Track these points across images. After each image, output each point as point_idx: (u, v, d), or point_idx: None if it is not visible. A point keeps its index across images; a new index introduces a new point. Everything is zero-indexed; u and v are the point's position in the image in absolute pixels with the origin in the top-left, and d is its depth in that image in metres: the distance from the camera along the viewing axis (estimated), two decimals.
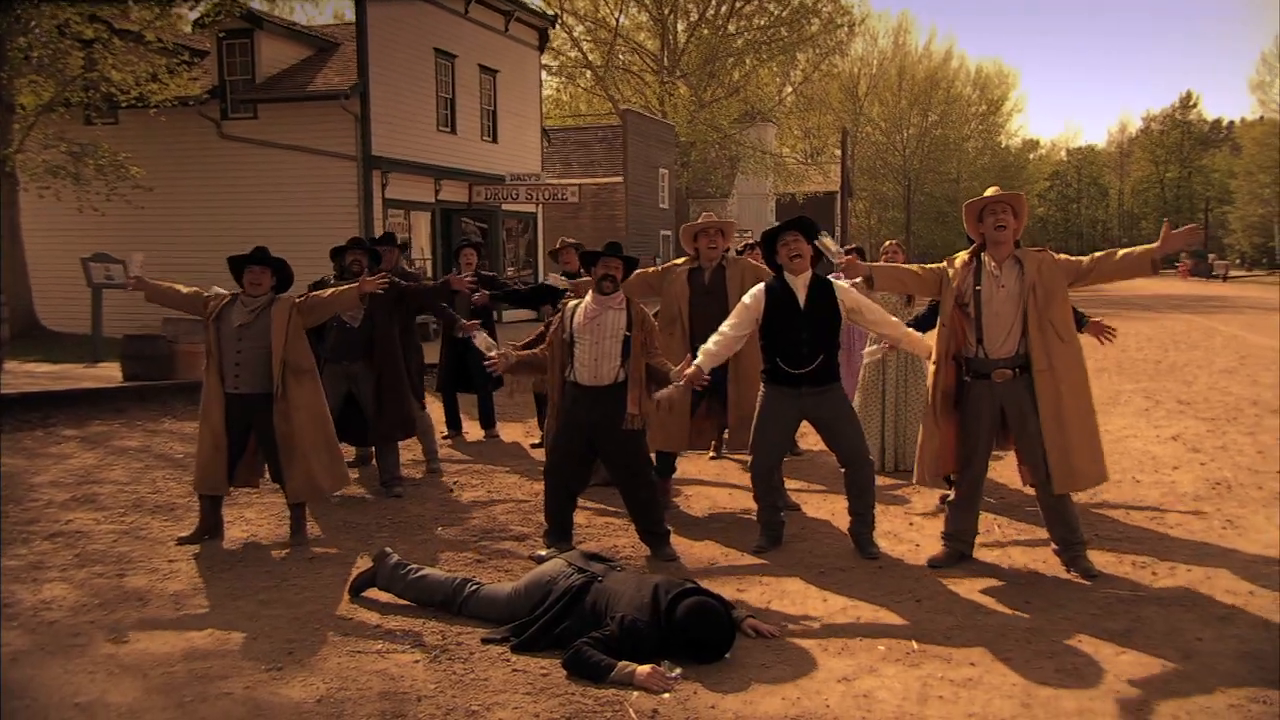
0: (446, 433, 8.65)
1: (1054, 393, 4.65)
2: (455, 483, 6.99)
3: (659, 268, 6.50)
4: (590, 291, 5.20)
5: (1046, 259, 4.79)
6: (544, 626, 4.05)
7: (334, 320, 6.51)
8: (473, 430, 8.78)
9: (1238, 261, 69.20)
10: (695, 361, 5.01)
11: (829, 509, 6.08)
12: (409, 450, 7.33)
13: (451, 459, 7.86)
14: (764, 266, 6.06)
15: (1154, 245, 4.63)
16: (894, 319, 5.32)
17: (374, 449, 6.97)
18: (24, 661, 3.94)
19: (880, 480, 6.48)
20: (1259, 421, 8.43)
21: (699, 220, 6.44)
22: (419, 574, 4.55)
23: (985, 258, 4.83)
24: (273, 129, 16.35)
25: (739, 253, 7.62)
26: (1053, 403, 4.65)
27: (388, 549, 4.75)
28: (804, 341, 5.04)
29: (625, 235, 26.07)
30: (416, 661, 3.92)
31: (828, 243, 5.17)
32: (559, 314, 5.38)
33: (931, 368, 4.89)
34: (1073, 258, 4.81)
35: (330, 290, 5.78)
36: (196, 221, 16.62)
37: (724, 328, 5.16)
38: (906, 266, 5.10)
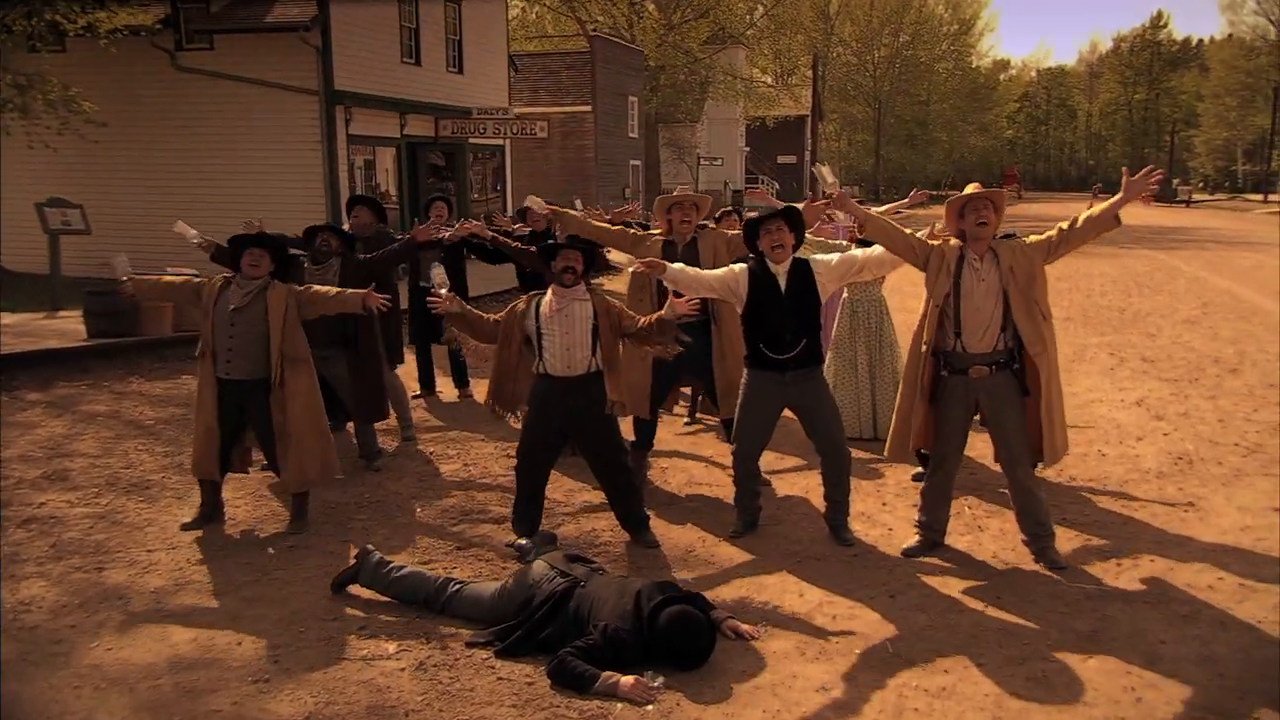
0: (419, 391, 8.63)
1: (1048, 373, 4.76)
2: (431, 453, 7.00)
3: (638, 233, 6.44)
4: (551, 285, 5.14)
5: (1019, 244, 4.80)
6: (528, 632, 4.11)
7: None
8: (446, 388, 8.76)
9: (1200, 185, 69.79)
10: (669, 267, 5.07)
11: (804, 484, 6.17)
12: None
13: (426, 424, 7.86)
14: (737, 235, 6.04)
15: (1117, 198, 4.72)
16: (867, 252, 5.19)
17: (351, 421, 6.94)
18: (9, 674, 3.94)
19: (855, 453, 6.59)
20: (1219, 384, 8.60)
21: (674, 194, 6.38)
22: (401, 573, 4.58)
23: (967, 250, 4.83)
24: (230, 61, 15.78)
25: (716, 220, 7.56)
26: (1046, 383, 4.75)
27: (370, 546, 4.77)
28: (787, 327, 5.04)
29: (595, 166, 25.74)
30: (402, 669, 3.97)
31: (824, 171, 5.17)
32: (513, 305, 5.27)
33: (924, 349, 4.87)
34: (1042, 236, 4.82)
35: (335, 290, 5.59)
36: (154, 158, 16.14)
37: (704, 271, 5.19)
38: (901, 227, 5.03)
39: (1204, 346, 10.33)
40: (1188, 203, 53.93)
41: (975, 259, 4.78)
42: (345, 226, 7.55)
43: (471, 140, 19.65)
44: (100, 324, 9.67)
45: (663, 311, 5.02)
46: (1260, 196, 54.07)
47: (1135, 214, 33.07)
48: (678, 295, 5.01)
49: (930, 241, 4.97)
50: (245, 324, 5.28)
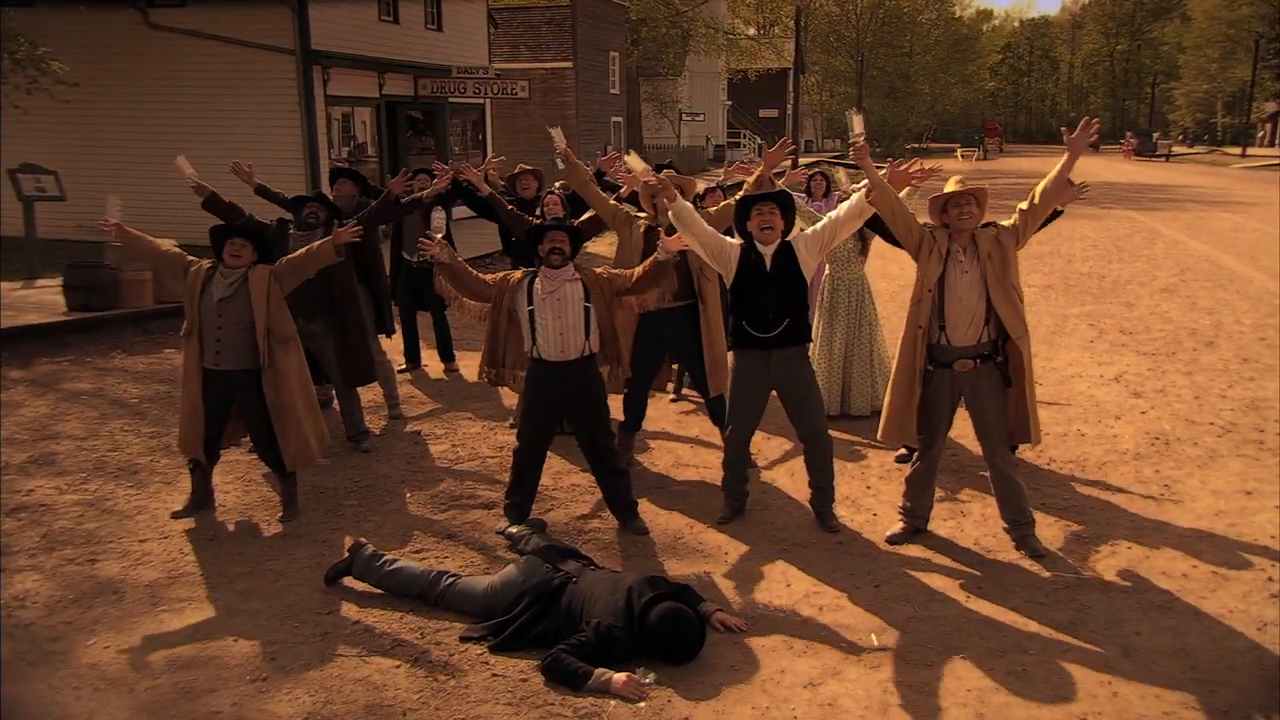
0: (404, 365, 8.63)
1: (1029, 356, 4.88)
2: (419, 433, 7.03)
3: (626, 210, 6.40)
4: (540, 269, 5.16)
5: (994, 231, 4.84)
6: (521, 628, 4.19)
7: None
8: (431, 362, 8.77)
9: (1180, 138, 69.90)
10: (679, 197, 5.13)
11: (788, 467, 6.25)
12: (368, 391, 7.26)
13: (413, 399, 7.88)
14: (719, 209, 6.08)
15: (1064, 161, 4.81)
16: (836, 215, 5.13)
17: (336, 399, 6.95)
18: (7, 675, 3.98)
19: (835, 434, 6.67)
20: (1196, 358, 8.73)
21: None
22: (394, 566, 4.63)
23: (951, 244, 4.86)
24: (204, 20, 15.45)
25: (700, 197, 7.55)
26: (1028, 366, 4.88)
27: (363, 539, 4.83)
28: (770, 306, 5.08)
29: (576, 123, 25.50)
30: (397, 666, 4.04)
31: (856, 120, 5.24)
32: (506, 276, 5.27)
33: (919, 331, 4.89)
34: (1009, 223, 4.87)
35: (303, 250, 5.59)
36: (127, 121, 15.89)
37: (705, 224, 5.24)
38: (905, 205, 5.01)
39: (1181, 317, 10.45)
40: (1167, 157, 54.02)
41: (959, 250, 4.83)
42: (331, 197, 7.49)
43: (451, 99, 19.42)
44: (80, 297, 9.58)
45: (656, 255, 5.10)
46: (1239, 150, 54.20)
47: (1117, 170, 33.22)
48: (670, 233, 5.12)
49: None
50: (232, 314, 5.26)
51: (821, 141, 60.79)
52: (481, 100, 20.59)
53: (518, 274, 5.22)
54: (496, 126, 22.42)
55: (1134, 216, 21.05)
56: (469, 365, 8.88)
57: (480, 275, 5.30)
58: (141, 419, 7.30)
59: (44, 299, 10.37)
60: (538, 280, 5.11)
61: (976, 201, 4.82)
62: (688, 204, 5.21)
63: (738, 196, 6.31)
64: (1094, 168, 43.24)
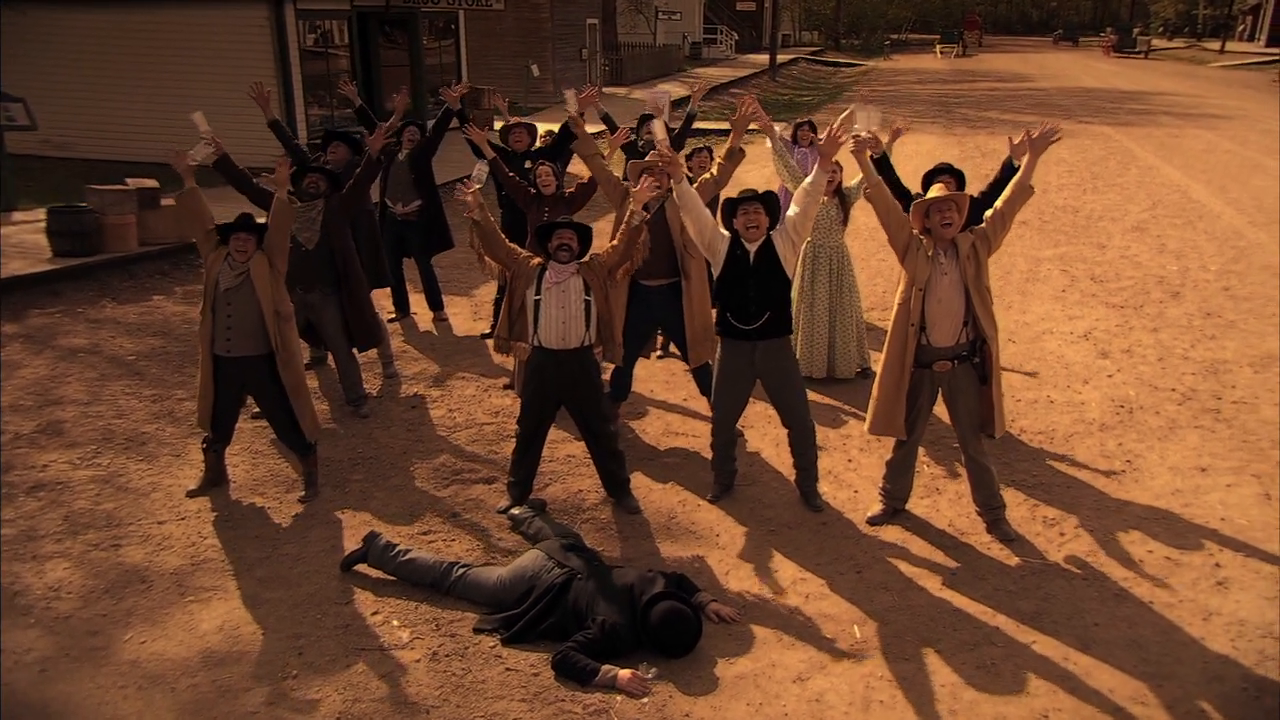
0: (394, 314, 8.79)
1: (998, 353, 5.14)
2: (415, 396, 7.25)
3: (627, 186, 6.50)
4: (550, 262, 5.34)
5: (969, 236, 5.03)
6: (530, 622, 4.52)
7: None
8: (420, 309, 8.92)
9: (1160, 30, 69.09)
10: (685, 180, 5.36)
11: (773, 438, 6.54)
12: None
13: (405, 355, 8.07)
14: (701, 183, 6.22)
15: (1025, 166, 5.14)
16: (800, 201, 5.30)
17: (334, 361, 7.11)
18: (55, 673, 4.27)
19: (822, 399, 6.98)
20: (1162, 312, 9.04)
21: (647, 159, 6.47)
22: (406, 556, 4.93)
23: (933, 249, 5.05)
24: None
25: (688, 157, 7.61)
26: (998, 364, 5.15)
27: (376, 531, 5.11)
28: (751, 300, 5.31)
29: (550, 27, 24.89)
30: (417, 660, 4.37)
31: (863, 116, 5.46)
32: (529, 257, 5.45)
33: (910, 329, 5.08)
34: (978, 229, 5.07)
35: (270, 213, 5.60)
36: (100, 40, 15.39)
37: (704, 208, 5.43)
38: (900, 207, 5.16)
39: (1150, 261, 10.73)
40: (1146, 53, 53.53)
41: (940, 253, 5.03)
42: (323, 161, 7.53)
43: (423, 9, 18.91)
44: (65, 243, 9.55)
45: (627, 219, 5.40)
46: (1218, 45, 53.76)
47: (1094, 71, 32.94)
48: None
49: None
50: (240, 303, 5.41)
51: (799, 35, 59.51)
52: (455, 9, 20.05)
53: (536, 260, 5.40)
54: (470, 31, 21.88)
55: (1109, 134, 21.12)
56: (457, 313, 9.07)
57: (507, 242, 5.49)
58: (141, 379, 7.45)
59: (25, 240, 10.31)
60: (547, 271, 5.31)
61: (958, 208, 5.01)
62: (687, 186, 5.36)
63: (713, 173, 6.41)
64: (1072, 69, 42.89)
